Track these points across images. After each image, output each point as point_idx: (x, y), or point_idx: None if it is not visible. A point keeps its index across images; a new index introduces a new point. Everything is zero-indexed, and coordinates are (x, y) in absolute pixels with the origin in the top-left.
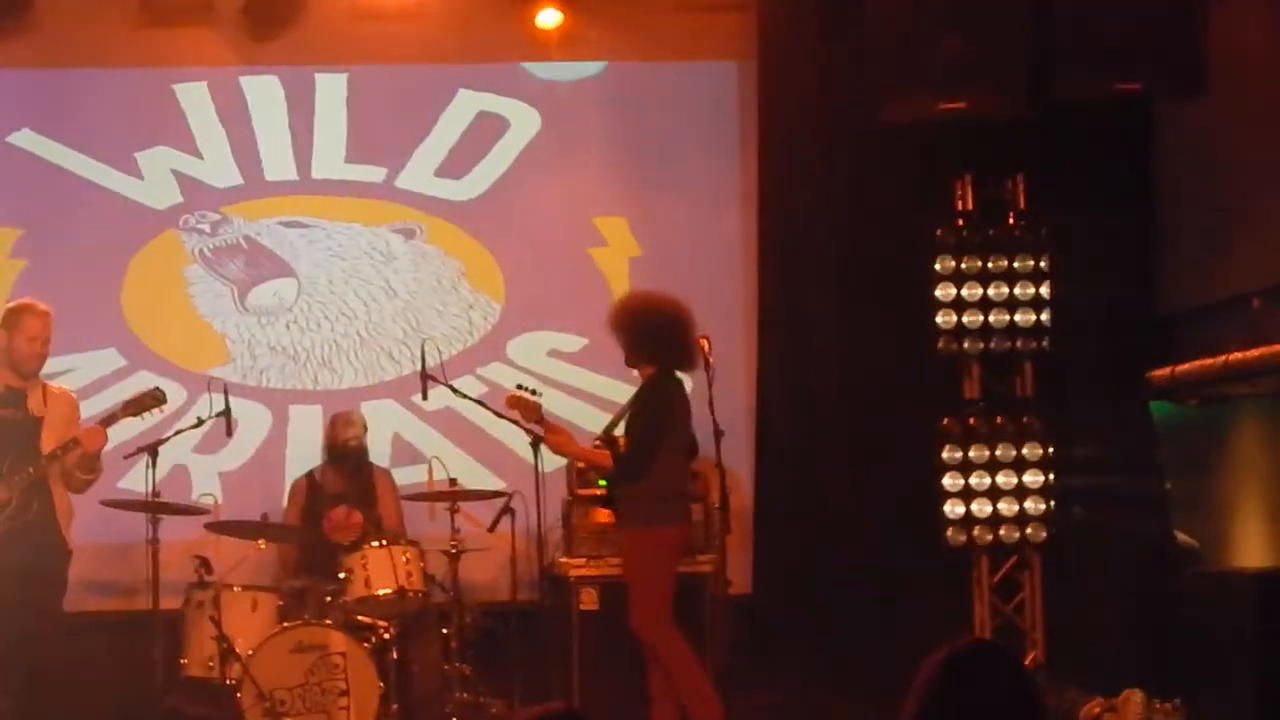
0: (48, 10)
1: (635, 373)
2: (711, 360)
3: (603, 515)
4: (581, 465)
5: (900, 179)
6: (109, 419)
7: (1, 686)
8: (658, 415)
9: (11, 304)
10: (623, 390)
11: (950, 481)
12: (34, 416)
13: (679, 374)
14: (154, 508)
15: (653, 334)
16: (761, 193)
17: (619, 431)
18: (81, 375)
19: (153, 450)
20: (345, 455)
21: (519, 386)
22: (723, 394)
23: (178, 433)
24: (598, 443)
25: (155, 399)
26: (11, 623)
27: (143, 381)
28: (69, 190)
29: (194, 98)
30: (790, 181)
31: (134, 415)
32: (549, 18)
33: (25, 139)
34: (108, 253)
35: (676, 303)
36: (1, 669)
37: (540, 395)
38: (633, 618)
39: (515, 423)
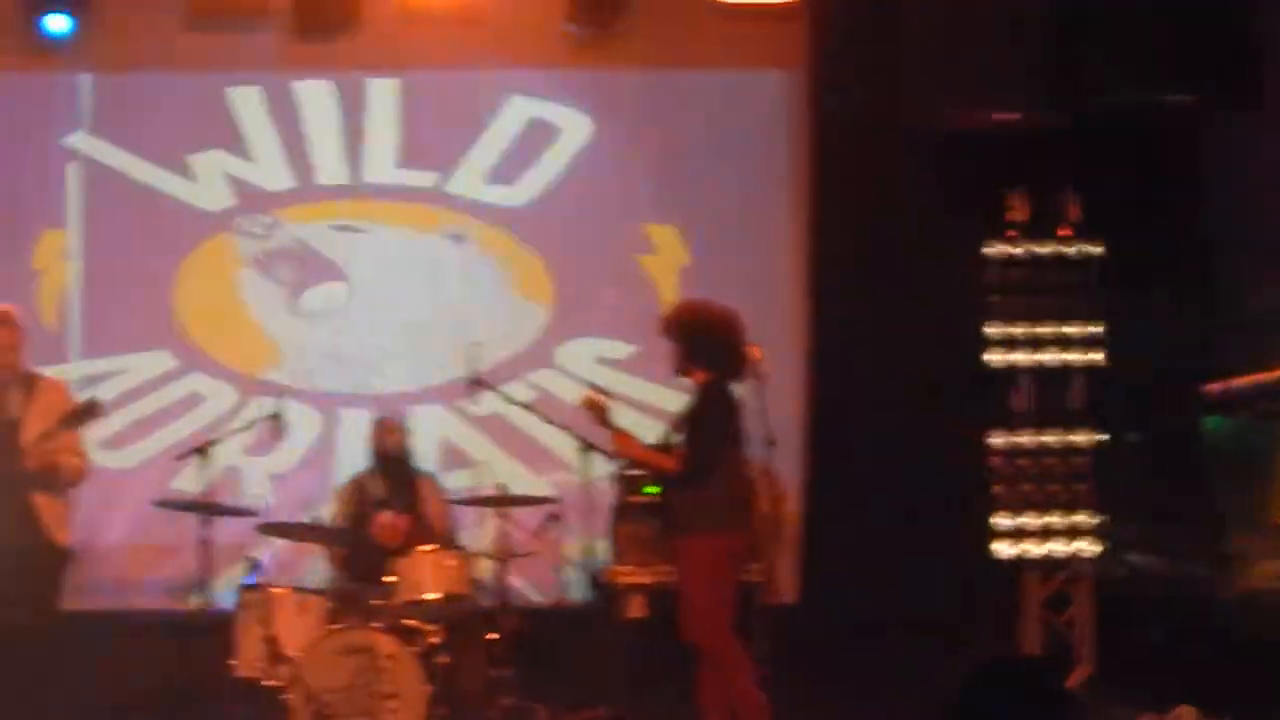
0: (102, 15)
1: (684, 380)
2: (763, 368)
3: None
4: (643, 469)
5: (949, 189)
6: (46, 435)
7: None
8: (719, 420)
9: None
10: (670, 397)
11: (999, 495)
12: (11, 418)
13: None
14: (205, 508)
15: (709, 341)
16: (811, 202)
17: (675, 440)
18: (133, 376)
19: (205, 451)
20: (389, 460)
21: (592, 387)
22: (772, 403)
23: (230, 434)
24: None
25: (91, 411)
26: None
27: (195, 383)
28: (123, 192)
29: (247, 101)
30: (840, 191)
31: (71, 428)
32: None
33: (80, 141)
34: (160, 255)
35: (731, 311)
36: None
37: (613, 397)
38: (689, 626)
39: (565, 428)
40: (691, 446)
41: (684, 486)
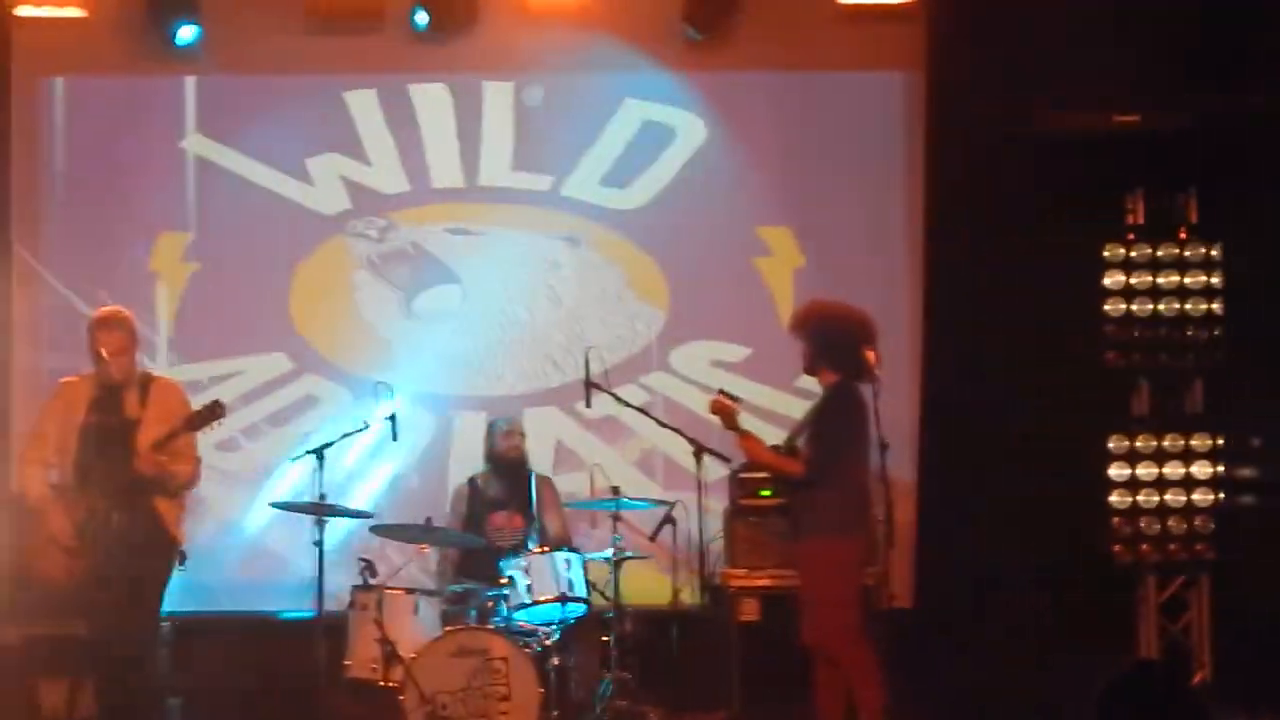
0: (220, 18)
1: (797, 384)
2: (878, 372)
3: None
4: (769, 473)
5: (1068, 191)
6: (170, 435)
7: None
8: (847, 421)
9: (95, 314)
10: (784, 400)
11: (1117, 499)
12: (128, 419)
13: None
14: (320, 510)
15: (837, 342)
16: (927, 204)
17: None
18: (250, 378)
19: (320, 454)
20: (506, 463)
21: (721, 391)
22: (887, 406)
23: (344, 436)
24: (780, 452)
25: (214, 412)
26: (110, 625)
27: (309, 386)
28: (240, 195)
29: (363, 105)
30: (956, 193)
31: (194, 431)
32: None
33: (197, 144)
34: (276, 257)
35: (862, 312)
36: (100, 672)
37: (741, 401)
38: (816, 629)
39: (679, 431)
40: (816, 449)
41: (809, 489)
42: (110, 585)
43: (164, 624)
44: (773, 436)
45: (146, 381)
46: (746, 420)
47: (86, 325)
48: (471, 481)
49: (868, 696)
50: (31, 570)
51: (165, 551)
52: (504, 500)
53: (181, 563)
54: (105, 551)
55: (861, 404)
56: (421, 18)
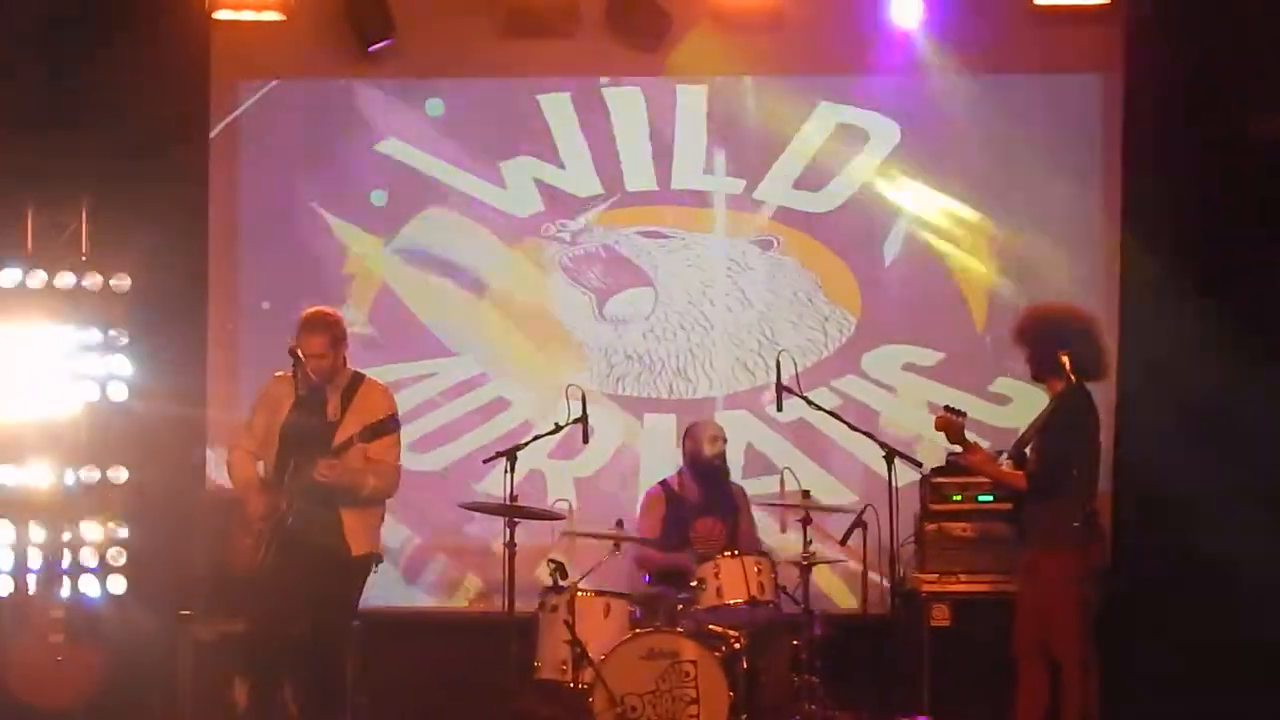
0: (414, 23)
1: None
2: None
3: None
4: (995, 486)
5: (1267, 192)
6: (345, 444)
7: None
8: (1075, 431)
9: (303, 313)
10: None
11: None
12: (329, 422)
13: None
14: (511, 512)
15: (1067, 344)
16: (1124, 206)
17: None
18: (442, 380)
19: (511, 455)
20: (709, 467)
21: (946, 407)
22: None
23: (535, 438)
24: (1008, 459)
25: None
26: (274, 629)
27: (502, 388)
28: (434, 198)
29: (557, 108)
30: (1154, 195)
31: (367, 442)
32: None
33: (391, 147)
34: (470, 260)
35: (1085, 314)
36: (290, 672)
37: (965, 415)
38: (1044, 637)
39: (870, 435)
40: (1042, 461)
41: (1035, 498)
42: (279, 588)
43: (353, 623)
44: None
45: (355, 383)
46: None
47: (296, 322)
48: (665, 484)
49: (1087, 701)
50: (227, 561)
51: (340, 563)
52: (706, 505)
53: (375, 566)
54: (276, 554)
55: (1090, 411)
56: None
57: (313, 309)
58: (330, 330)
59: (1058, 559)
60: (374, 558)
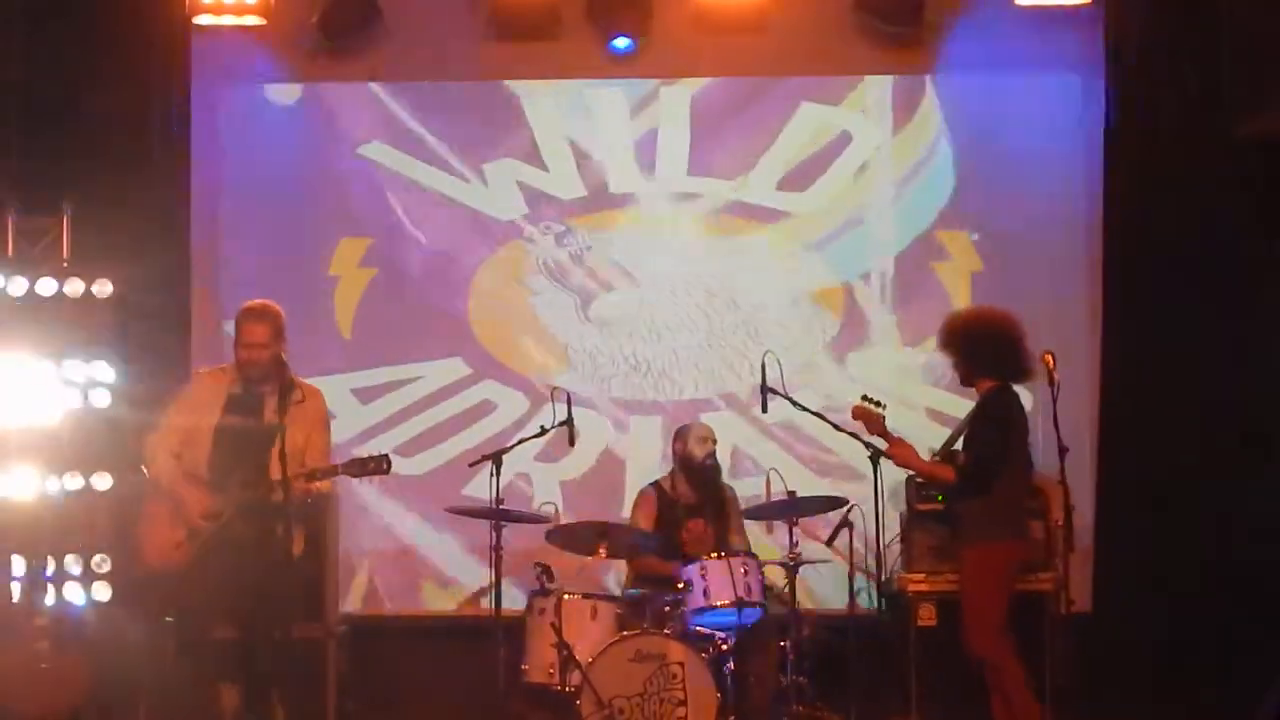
0: (396, 25)
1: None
2: (1056, 376)
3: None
4: (922, 479)
5: (1249, 196)
6: (329, 471)
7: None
8: (1000, 429)
9: (244, 304)
10: (963, 405)
11: None
12: (267, 425)
13: (1016, 387)
14: (497, 515)
15: (987, 348)
16: (1107, 207)
17: (958, 446)
18: (428, 383)
19: (497, 459)
20: (700, 469)
21: (864, 397)
22: (1065, 409)
23: (520, 441)
24: (937, 458)
25: (380, 466)
26: (220, 628)
27: (487, 390)
28: (417, 200)
29: (539, 109)
30: (1137, 196)
31: (352, 476)
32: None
33: (375, 151)
34: (454, 262)
35: (1005, 314)
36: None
37: (884, 407)
38: (967, 633)
39: (855, 435)
40: (971, 455)
41: (965, 496)
42: (210, 588)
43: (339, 628)
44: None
45: (289, 384)
46: (924, 424)
47: (235, 315)
48: (658, 485)
49: (1020, 700)
50: (140, 552)
51: (283, 564)
52: (698, 506)
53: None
54: (212, 554)
55: (1015, 409)
56: (621, 41)
57: (257, 300)
58: (272, 321)
59: (978, 553)
60: (302, 555)
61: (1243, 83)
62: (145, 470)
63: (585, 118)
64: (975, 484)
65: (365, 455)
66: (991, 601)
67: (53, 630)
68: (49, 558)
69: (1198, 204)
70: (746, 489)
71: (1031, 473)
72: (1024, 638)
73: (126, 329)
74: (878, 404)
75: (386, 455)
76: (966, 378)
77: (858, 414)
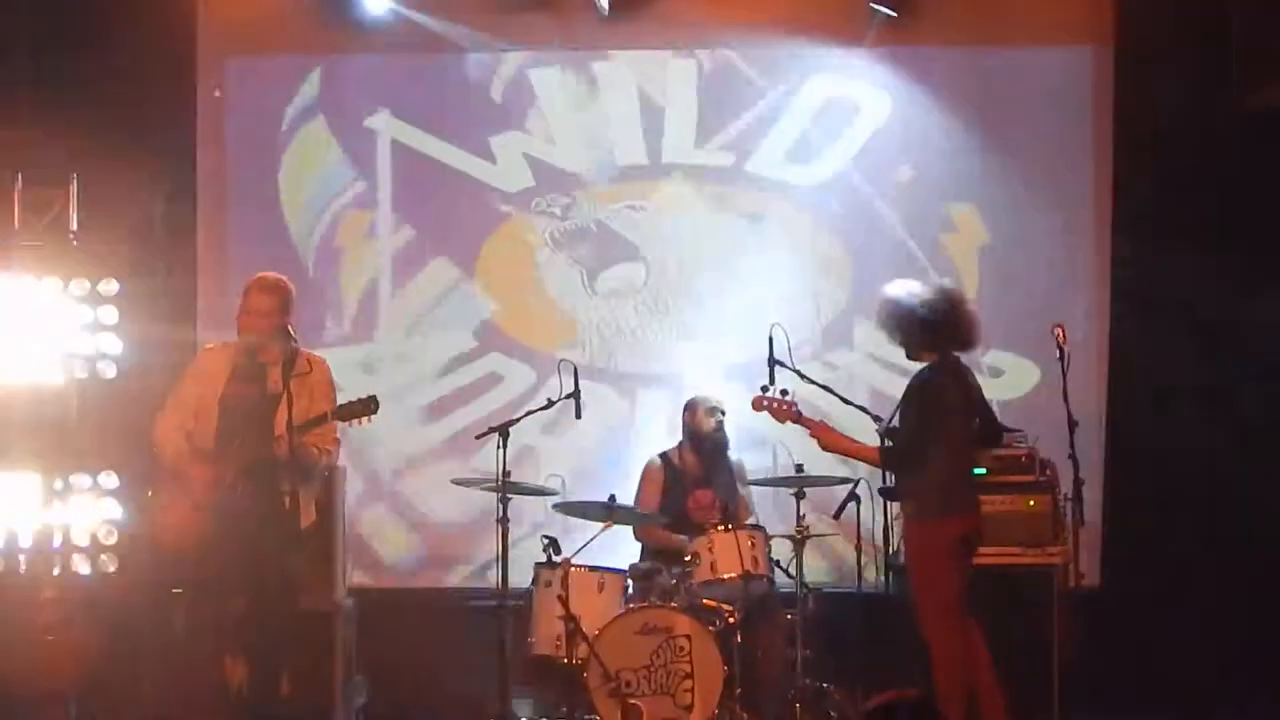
0: None
1: (985, 361)
2: (1066, 349)
3: None
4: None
5: (1263, 166)
6: (319, 419)
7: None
8: (926, 407)
9: (254, 276)
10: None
11: None
12: (270, 394)
13: (962, 358)
14: (504, 488)
15: (914, 322)
16: (1116, 179)
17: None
18: (434, 356)
19: (503, 431)
20: (709, 441)
21: (763, 389)
22: (1075, 383)
23: (528, 414)
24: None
25: (367, 407)
26: (232, 600)
27: (494, 363)
28: (424, 173)
29: (547, 82)
30: (1147, 168)
31: (342, 421)
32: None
33: (381, 122)
34: (460, 235)
35: (935, 288)
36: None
37: (791, 394)
38: (915, 612)
39: (864, 409)
40: (902, 431)
41: (901, 474)
42: (221, 560)
43: (346, 601)
44: None
45: (292, 356)
46: None
47: (243, 287)
48: (665, 457)
49: (940, 679)
50: (156, 532)
51: (290, 535)
52: (705, 478)
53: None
54: (225, 525)
55: (946, 383)
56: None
57: (268, 274)
58: (282, 295)
59: (919, 530)
60: (313, 527)
61: (1251, 56)
62: (156, 448)
63: (592, 90)
64: (903, 462)
65: (351, 399)
66: (937, 579)
67: (60, 602)
68: (56, 530)
69: (1206, 176)
70: (754, 462)
71: (978, 446)
72: (1032, 612)
73: (133, 299)
74: (783, 392)
75: (374, 396)
76: (911, 355)
77: (759, 406)
